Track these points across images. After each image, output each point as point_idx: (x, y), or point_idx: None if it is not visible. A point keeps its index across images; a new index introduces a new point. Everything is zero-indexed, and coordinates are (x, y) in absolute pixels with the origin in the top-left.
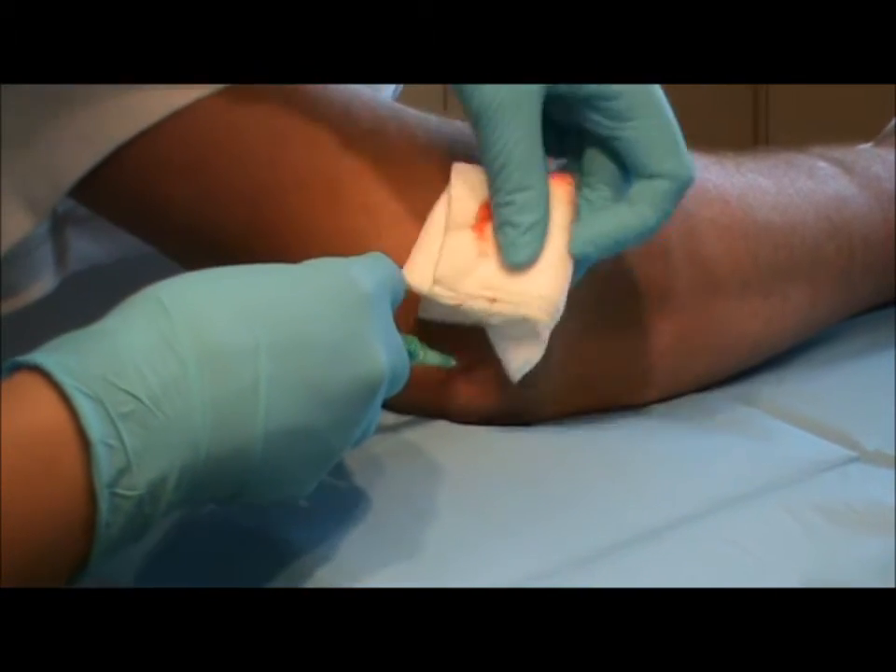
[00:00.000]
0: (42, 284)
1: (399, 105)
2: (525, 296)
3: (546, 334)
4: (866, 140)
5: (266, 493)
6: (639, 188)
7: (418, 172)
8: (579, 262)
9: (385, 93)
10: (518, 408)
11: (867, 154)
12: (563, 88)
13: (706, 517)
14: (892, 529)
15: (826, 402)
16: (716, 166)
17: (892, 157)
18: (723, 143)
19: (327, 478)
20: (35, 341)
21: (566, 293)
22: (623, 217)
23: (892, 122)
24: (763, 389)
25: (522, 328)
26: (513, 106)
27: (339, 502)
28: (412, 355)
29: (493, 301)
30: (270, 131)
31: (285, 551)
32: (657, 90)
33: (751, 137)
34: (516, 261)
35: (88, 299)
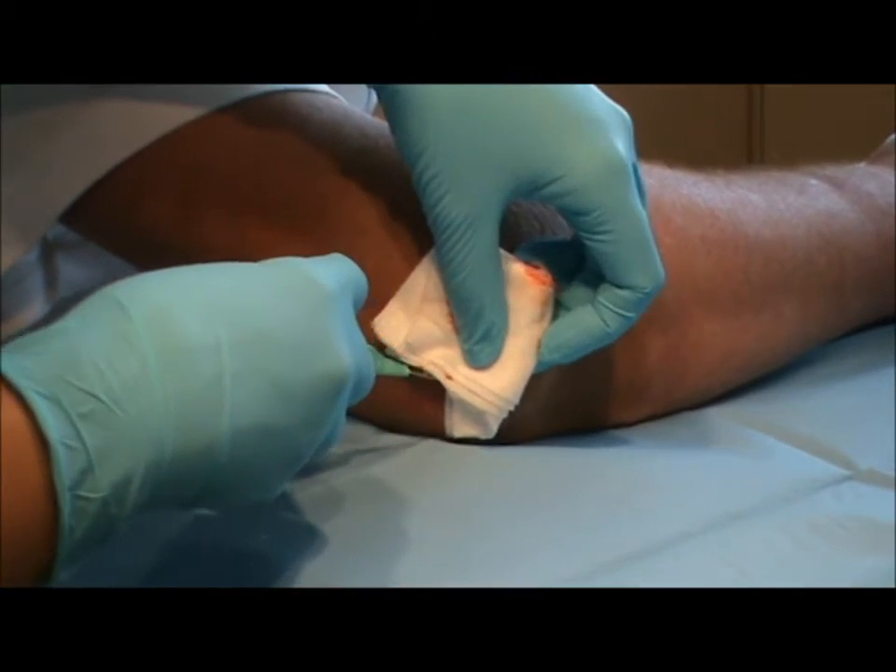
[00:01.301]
0: (33, 309)
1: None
2: (479, 387)
3: (495, 425)
4: (861, 149)
5: (232, 494)
6: (606, 294)
7: (406, 192)
8: (547, 363)
9: (362, 103)
10: (508, 426)
11: (859, 172)
12: (536, 195)
13: (699, 536)
14: (887, 548)
15: (820, 420)
16: (706, 182)
17: (886, 175)
18: (717, 153)
19: (315, 509)
20: None
21: (523, 387)
22: (587, 324)
23: (888, 140)
24: (757, 407)
25: (473, 409)
26: (468, 223)
27: (330, 521)
28: None
29: (449, 378)
30: (257, 152)
31: (275, 574)
32: (631, 199)
33: (745, 146)
34: (474, 365)
35: None
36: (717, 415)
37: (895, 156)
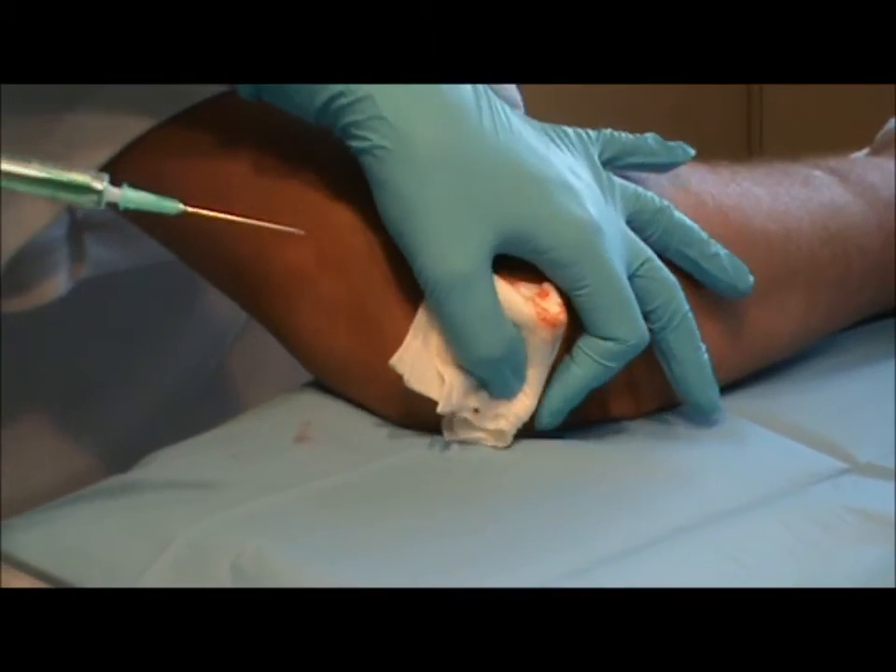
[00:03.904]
0: (55, 284)
1: None
2: (505, 410)
3: (509, 437)
4: (859, 146)
5: None
6: (588, 342)
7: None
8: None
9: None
10: None
11: (862, 163)
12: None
13: (699, 529)
14: (886, 540)
15: (819, 413)
16: (712, 176)
17: (889, 165)
18: (716, 148)
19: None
20: (48, 342)
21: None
22: (571, 380)
23: (882, 131)
24: (757, 400)
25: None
26: (467, 277)
27: (332, 519)
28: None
29: (476, 411)
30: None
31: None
32: (607, 256)
33: (745, 143)
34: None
35: (99, 304)
36: None
37: None
